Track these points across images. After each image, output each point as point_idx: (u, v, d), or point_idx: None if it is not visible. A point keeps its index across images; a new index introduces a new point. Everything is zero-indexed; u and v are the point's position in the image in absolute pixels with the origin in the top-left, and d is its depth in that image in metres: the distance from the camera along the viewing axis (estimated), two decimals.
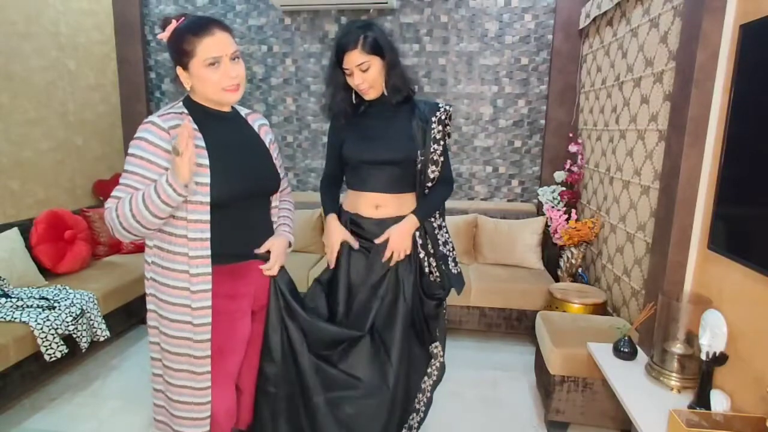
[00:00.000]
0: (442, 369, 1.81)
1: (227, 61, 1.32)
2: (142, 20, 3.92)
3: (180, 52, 1.31)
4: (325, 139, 3.85)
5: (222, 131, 1.41)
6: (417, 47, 3.65)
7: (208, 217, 1.34)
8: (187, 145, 1.18)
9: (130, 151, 1.31)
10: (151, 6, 3.93)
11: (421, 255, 1.69)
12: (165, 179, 1.23)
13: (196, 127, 1.35)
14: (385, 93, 1.64)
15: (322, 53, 3.78)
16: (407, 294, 1.66)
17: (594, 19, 3.09)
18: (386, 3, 3.43)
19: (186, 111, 1.37)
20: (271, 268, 1.50)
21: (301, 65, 3.83)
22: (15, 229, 2.79)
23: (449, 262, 1.73)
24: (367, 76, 1.57)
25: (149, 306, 1.43)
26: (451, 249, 1.77)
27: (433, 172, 1.66)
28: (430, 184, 1.70)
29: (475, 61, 3.61)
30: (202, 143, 1.34)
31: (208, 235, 1.35)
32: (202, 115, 1.39)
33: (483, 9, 3.54)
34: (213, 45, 1.29)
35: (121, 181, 1.32)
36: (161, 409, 1.51)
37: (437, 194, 1.71)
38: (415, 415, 1.77)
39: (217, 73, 1.31)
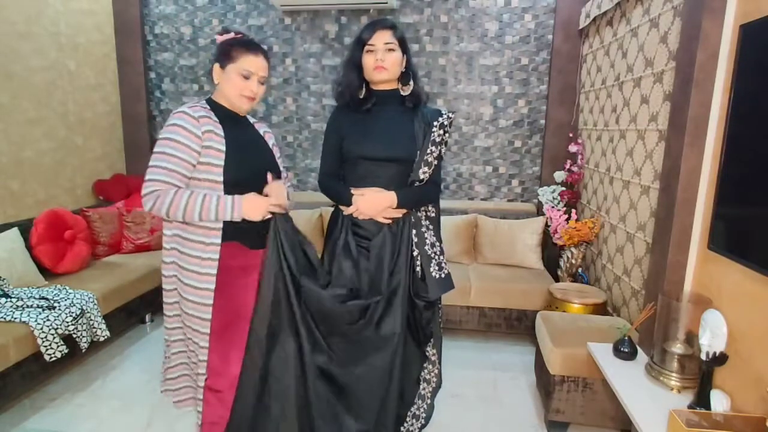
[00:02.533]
0: (440, 375, 1.82)
1: (255, 79, 1.60)
2: (142, 20, 3.92)
3: (226, 54, 1.58)
4: None
5: (237, 128, 1.64)
6: (417, 47, 3.65)
7: (220, 194, 1.53)
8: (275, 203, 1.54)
9: (166, 135, 1.49)
10: (151, 6, 3.93)
11: (415, 253, 1.69)
12: (230, 202, 1.50)
13: (217, 120, 1.56)
14: (401, 89, 1.72)
15: (322, 53, 3.78)
16: (404, 292, 1.67)
17: (594, 19, 3.09)
18: (386, 3, 3.43)
19: (209, 107, 1.60)
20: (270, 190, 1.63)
21: (301, 65, 3.83)
22: (15, 229, 2.79)
23: (432, 265, 1.70)
24: (388, 56, 1.66)
25: (168, 272, 1.60)
26: (439, 252, 1.73)
27: (424, 173, 1.67)
28: (418, 184, 1.70)
29: (475, 61, 3.61)
30: (222, 133, 1.55)
31: None
32: (222, 113, 1.61)
33: (483, 9, 3.54)
34: (252, 62, 1.58)
35: (157, 162, 1.48)
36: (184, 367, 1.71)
37: (423, 189, 1.71)
38: (415, 421, 1.77)
39: (243, 83, 1.58)
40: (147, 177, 1.48)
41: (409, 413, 1.77)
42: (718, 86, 1.66)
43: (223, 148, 1.54)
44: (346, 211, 1.71)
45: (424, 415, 1.79)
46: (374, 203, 1.63)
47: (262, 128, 1.79)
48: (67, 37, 3.39)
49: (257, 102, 1.66)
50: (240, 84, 1.58)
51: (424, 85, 1.79)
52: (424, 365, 1.79)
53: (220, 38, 1.63)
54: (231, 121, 1.62)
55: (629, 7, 2.57)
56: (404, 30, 3.55)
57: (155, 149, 1.50)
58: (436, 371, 1.81)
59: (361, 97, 1.72)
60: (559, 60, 3.46)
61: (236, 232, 1.57)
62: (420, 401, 1.78)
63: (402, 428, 1.76)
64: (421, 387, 1.78)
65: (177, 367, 1.72)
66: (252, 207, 1.53)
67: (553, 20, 3.46)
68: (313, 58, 3.80)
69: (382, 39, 1.64)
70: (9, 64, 2.94)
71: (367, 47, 1.66)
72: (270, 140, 1.78)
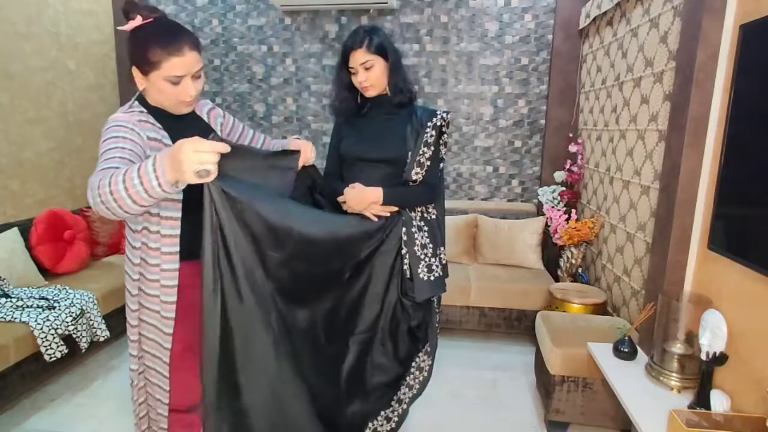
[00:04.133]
0: (424, 383, 1.79)
1: (188, 78, 1.30)
2: None
3: (142, 59, 1.26)
4: (325, 139, 3.87)
5: (184, 129, 1.33)
6: (417, 47, 3.65)
7: (179, 214, 1.33)
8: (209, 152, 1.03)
9: (103, 138, 1.25)
10: None
11: (403, 251, 1.69)
12: (151, 164, 1.03)
13: (160, 126, 1.34)
14: (388, 93, 1.72)
15: (322, 53, 3.78)
16: (381, 289, 1.67)
17: (594, 19, 3.09)
18: (386, 3, 3.43)
19: (145, 110, 1.35)
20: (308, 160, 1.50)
21: (301, 65, 3.83)
22: (15, 229, 2.79)
23: (420, 266, 1.69)
24: (370, 74, 1.66)
25: (134, 305, 1.42)
26: (430, 255, 1.72)
27: (416, 173, 1.67)
28: (411, 185, 1.70)
29: (475, 61, 3.61)
30: (170, 142, 1.33)
31: (178, 231, 1.34)
32: (162, 116, 1.37)
33: (483, 9, 3.54)
34: (180, 65, 1.26)
35: (101, 159, 1.21)
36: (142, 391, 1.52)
37: (413, 190, 1.71)
38: (386, 422, 1.75)
39: (176, 89, 1.30)
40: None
41: (381, 413, 1.75)
42: (718, 86, 1.66)
43: None
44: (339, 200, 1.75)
45: (396, 419, 1.77)
46: (360, 196, 1.66)
47: (204, 109, 1.52)
48: (67, 37, 3.39)
49: (196, 101, 1.39)
50: (172, 92, 1.29)
51: (411, 85, 1.75)
52: (411, 371, 1.77)
53: (126, 27, 1.27)
54: (175, 120, 1.38)
55: (629, 7, 2.57)
56: (403, 29, 3.60)
57: (99, 154, 1.23)
58: (421, 378, 1.78)
59: (359, 102, 1.77)
60: (559, 60, 3.45)
61: (191, 242, 1.31)
62: (396, 405, 1.76)
63: (370, 424, 1.73)
64: (402, 391, 1.76)
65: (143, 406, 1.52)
66: (178, 159, 0.99)
67: (553, 20, 3.46)
68: (314, 58, 3.80)
69: (357, 61, 1.65)
70: (9, 64, 2.94)
71: (349, 69, 1.69)
72: (217, 120, 1.54)
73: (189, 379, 1.45)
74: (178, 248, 1.35)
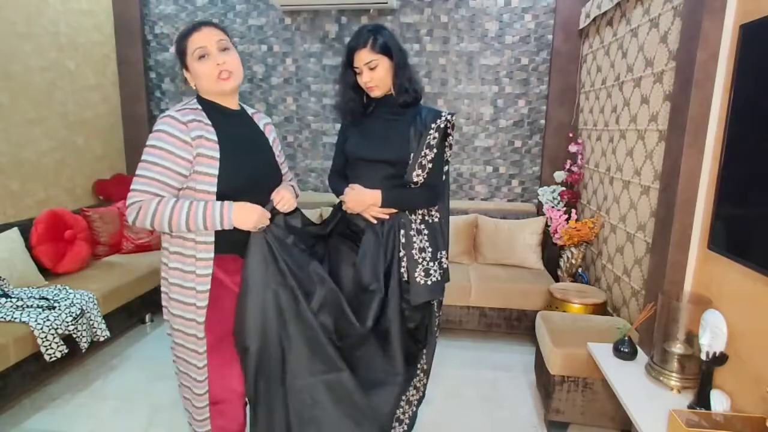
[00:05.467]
0: (425, 386, 1.80)
1: (215, 51, 1.43)
2: (142, 20, 3.92)
3: (178, 54, 1.47)
4: (326, 139, 3.88)
5: (232, 127, 1.51)
6: (417, 47, 3.65)
7: (209, 200, 1.42)
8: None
9: (149, 142, 1.37)
10: (151, 6, 3.93)
11: (401, 254, 1.68)
12: (219, 209, 1.37)
13: (208, 122, 1.43)
14: (393, 93, 1.70)
15: (323, 53, 3.78)
16: (392, 292, 1.66)
17: (594, 19, 3.09)
18: (386, 3, 3.43)
19: (200, 107, 1.46)
20: (278, 202, 1.54)
21: (301, 65, 3.83)
22: (15, 229, 2.79)
23: (418, 270, 1.67)
24: (374, 74, 1.64)
25: (168, 295, 1.49)
26: (429, 259, 1.69)
27: (417, 175, 1.66)
28: (412, 187, 1.69)
29: (475, 61, 3.61)
30: (214, 137, 1.42)
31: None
32: (213, 111, 1.47)
33: (483, 9, 3.54)
34: (198, 38, 1.42)
35: (140, 171, 1.37)
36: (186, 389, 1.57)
37: (413, 192, 1.69)
38: (398, 425, 1.75)
39: (207, 64, 1.42)
40: (131, 187, 1.36)
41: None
42: (718, 86, 1.66)
43: (217, 155, 1.41)
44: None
45: (407, 421, 1.77)
46: (359, 198, 1.67)
47: (261, 120, 1.66)
48: (67, 37, 3.39)
49: (238, 76, 1.48)
50: (205, 67, 1.42)
51: (417, 84, 1.72)
52: (417, 372, 1.76)
53: (172, 50, 1.52)
54: (225, 117, 1.49)
55: (629, 7, 2.57)
56: (403, 29, 3.60)
57: (141, 157, 1.38)
58: (426, 380, 1.79)
59: (364, 103, 1.76)
60: (559, 60, 3.46)
61: (233, 245, 1.46)
62: (406, 406, 1.76)
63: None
64: (410, 392, 1.75)
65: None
66: (243, 216, 1.40)
67: (553, 20, 3.46)
68: (314, 58, 3.81)
69: (361, 60, 1.63)
70: (9, 64, 2.94)
71: (355, 69, 1.67)
72: (271, 134, 1.67)
73: (223, 367, 1.52)
74: (213, 238, 1.43)
